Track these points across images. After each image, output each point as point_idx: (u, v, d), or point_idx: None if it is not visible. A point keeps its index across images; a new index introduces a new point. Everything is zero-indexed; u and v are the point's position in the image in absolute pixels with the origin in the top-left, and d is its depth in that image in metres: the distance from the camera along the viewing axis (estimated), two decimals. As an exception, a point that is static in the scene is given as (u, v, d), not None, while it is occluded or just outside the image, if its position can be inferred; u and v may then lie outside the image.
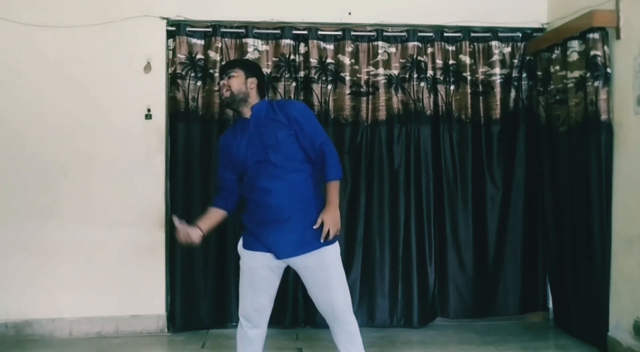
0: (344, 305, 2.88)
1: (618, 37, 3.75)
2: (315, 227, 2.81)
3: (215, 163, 4.28)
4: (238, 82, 2.91)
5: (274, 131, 2.85)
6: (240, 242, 2.99)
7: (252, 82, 2.94)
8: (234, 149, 2.93)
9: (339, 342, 2.93)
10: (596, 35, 3.78)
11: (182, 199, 4.32)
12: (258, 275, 2.89)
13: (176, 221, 2.92)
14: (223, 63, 4.31)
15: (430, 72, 4.50)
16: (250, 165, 2.87)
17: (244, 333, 2.97)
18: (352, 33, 4.43)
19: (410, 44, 4.47)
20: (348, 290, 2.92)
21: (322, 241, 2.81)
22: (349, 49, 4.42)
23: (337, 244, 2.90)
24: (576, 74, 3.96)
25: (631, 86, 3.64)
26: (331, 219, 2.81)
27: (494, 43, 4.52)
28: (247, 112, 2.93)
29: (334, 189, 2.88)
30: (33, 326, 4.20)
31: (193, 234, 2.93)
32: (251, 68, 3.03)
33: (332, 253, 2.87)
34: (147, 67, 4.28)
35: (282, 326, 4.33)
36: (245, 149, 2.88)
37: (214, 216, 3.05)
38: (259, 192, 2.84)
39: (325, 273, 2.85)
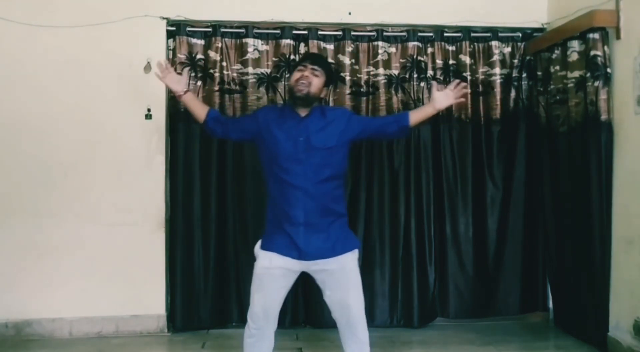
0: (360, 310, 2.91)
1: (618, 37, 3.75)
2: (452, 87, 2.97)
3: (217, 162, 4.32)
4: (318, 82, 2.85)
5: (324, 137, 2.82)
6: (259, 244, 2.91)
7: (326, 90, 2.99)
8: (273, 129, 2.84)
9: (348, 348, 2.94)
10: (596, 35, 3.78)
11: (182, 199, 4.32)
12: (272, 275, 2.83)
13: (164, 64, 3.03)
14: (224, 63, 4.32)
15: (430, 72, 4.50)
16: (286, 160, 2.80)
17: (252, 342, 2.98)
18: (352, 33, 4.43)
19: (410, 44, 4.47)
20: (363, 297, 2.94)
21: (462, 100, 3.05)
22: (349, 49, 4.42)
23: (357, 251, 2.93)
24: (576, 74, 3.96)
25: (631, 86, 3.64)
26: (446, 97, 2.96)
27: (494, 43, 4.52)
28: (302, 112, 2.86)
29: (417, 111, 3.06)
30: (33, 326, 4.20)
31: (179, 82, 3.02)
32: (331, 77, 3.06)
33: (352, 259, 2.89)
34: (147, 67, 4.28)
35: (282, 326, 4.27)
36: (287, 142, 2.80)
37: (201, 108, 3.10)
38: (290, 190, 2.78)
39: (346, 277, 2.85)
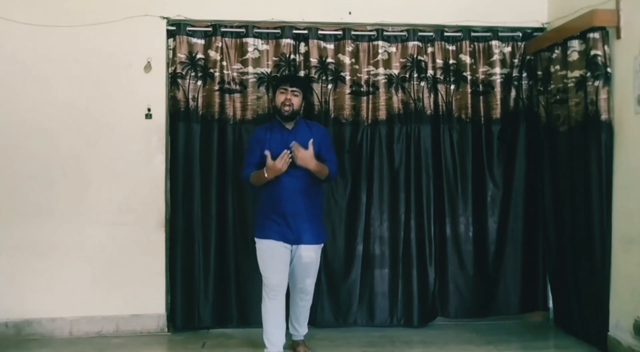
0: (313, 285, 3.77)
1: (618, 36, 3.74)
2: (292, 144, 3.50)
3: (217, 161, 4.32)
4: (298, 101, 3.65)
5: (307, 143, 3.52)
6: (256, 233, 3.67)
7: (302, 103, 3.73)
8: (268, 143, 3.59)
9: (295, 310, 3.78)
10: (596, 35, 3.78)
11: (182, 199, 4.32)
12: (279, 251, 3.58)
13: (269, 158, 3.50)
14: (224, 62, 4.33)
15: (430, 72, 4.50)
16: None
17: (272, 306, 3.59)
18: (353, 32, 4.43)
19: (411, 44, 4.47)
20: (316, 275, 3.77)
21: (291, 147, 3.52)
22: (349, 48, 4.42)
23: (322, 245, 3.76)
24: (576, 73, 3.96)
25: (631, 86, 3.64)
26: (307, 157, 3.50)
27: (494, 43, 4.52)
28: (289, 125, 3.66)
29: (321, 165, 3.61)
30: (33, 326, 4.21)
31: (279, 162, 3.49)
32: (307, 90, 3.76)
33: (320, 250, 3.76)
34: (148, 67, 4.28)
35: (282, 326, 4.34)
36: (281, 150, 3.49)
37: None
38: (282, 190, 3.55)
39: (315, 263, 3.70)
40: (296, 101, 3.61)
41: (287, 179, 3.52)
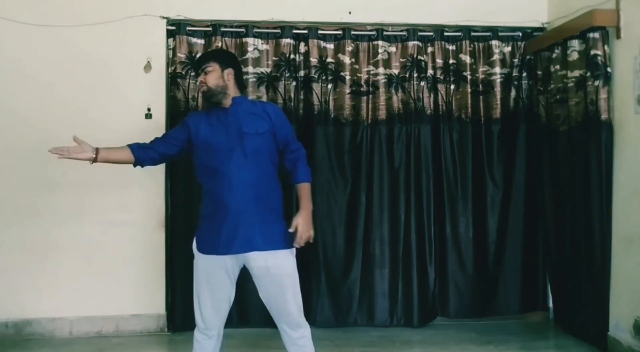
0: (289, 309, 2.85)
1: (618, 36, 3.74)
2: (290, 230, 2.79)
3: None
4: (214, 76, 2.90)
5: (254, 123, 2.86)
6: (194, 244, 2.91)
7: (229, 73, 2.93)
8: (202, 129, 2.89)
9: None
10: (596, 35, 3.78)
11: (182, 199, 4.32)
12: (215, 276, 2.84)
13: (77, 139, 2.88)
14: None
15: (430, 72, 4.50)
16: (219, 151, 2.82)
17: (201, 344, 2.92)
18: (352, 32, 4.43)
19: (411, 44, 4.47)
20: (297, 295, 2.88)
21: (296, 245, 2.81)
22: (349, 48, 4.42)
23: (294, 250, 2.87)
24: (576, 73, 3.96)
25: (631, 85, 3.64)
26: (307, 224, 2.81)
27: (494, 42, 4.52)
28: (227, 103, 2.91)
29: (307, 192, 2.90)
30: (33, 325, 4.21)
31: (84, 150, 2.86)
32: (226, 59, 2.98)
33: (290, 257, 2.85)
34: (147, 67, 4.28)
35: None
36: (219, 134, 2.84)
37: (121, 152, 2.94)
38: (222, 179, 2.78)
39: (283, 277, 2.82)
40: (210, 78, 2.88)
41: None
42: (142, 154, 2.94)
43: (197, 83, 3.00)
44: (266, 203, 2.83)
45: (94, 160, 2.88)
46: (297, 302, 2.87)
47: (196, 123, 2.93)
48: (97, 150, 2.87)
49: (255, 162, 2.82)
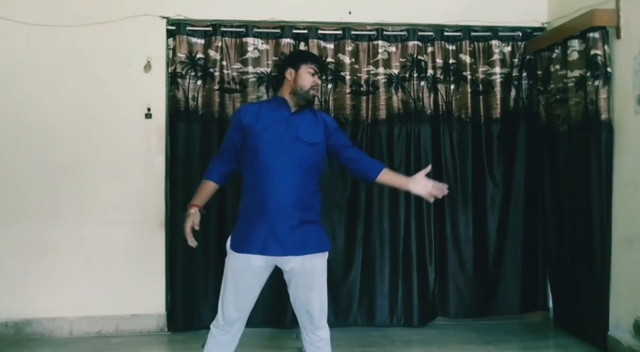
0: (318, 309, 2.85)
1: (618, 36, 3.74)
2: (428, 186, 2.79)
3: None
4: None
5: (310, 131, 2.84)
6: (229, 241, 2.89)
7: None
8: (258, 122, 2.83)
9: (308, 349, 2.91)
10: (596, 35, 3.78)
11: (182, 199, 4.29)
12: (242, 275, 2.81)
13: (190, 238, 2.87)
14: (224, 62, 4.32)
15: (430, 72, 4.50)
16: (269, 151, 2.78)
17: (216, 339, 2.96)
18: (352, 32, 4.43)
19: (411, 43, 4.47)
20: (326, 297, 2.87)
21: (438, 196, 2.82)
22: (349, 48, 4.42)
23: (326, 254, 2.88)
24: (576, 73, 3.96)
25: (631, 85, 3.64)
26: (424, 181, 2.80)
27: (494, 42, 4.52)
28: (294, 108, 2.88)
29: (393, 172, 2.93)
30: (33, 325, 4.21)
31: (194, 219, 2.88)
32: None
33: (323, 260, 2.86)
34: (147, 67, 4.28)
35: (282, 326, 4.33)
36: (273, 133, 2.80)
37: (209, 190, 2.98)
38: (266, 180, 2.77)
39: (312, 278, 2.80)
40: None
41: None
42: (223, 181, 3.01)
43: (309, 78, 2.88)
44: (306, 207, 2.81)
45: (201, 210, 2.93)
46: (322, 304, 2.85)
47: (249, 118, 2.86)
48: (197, 206, 2.92)
49: (302, 169, 2.79)
